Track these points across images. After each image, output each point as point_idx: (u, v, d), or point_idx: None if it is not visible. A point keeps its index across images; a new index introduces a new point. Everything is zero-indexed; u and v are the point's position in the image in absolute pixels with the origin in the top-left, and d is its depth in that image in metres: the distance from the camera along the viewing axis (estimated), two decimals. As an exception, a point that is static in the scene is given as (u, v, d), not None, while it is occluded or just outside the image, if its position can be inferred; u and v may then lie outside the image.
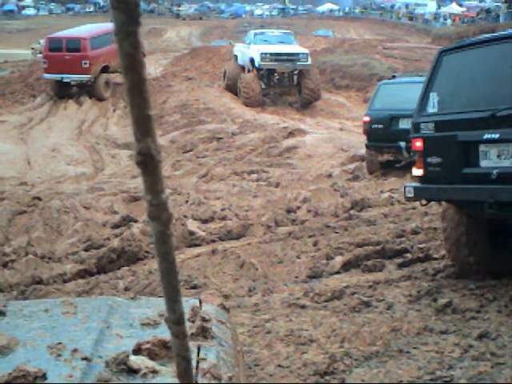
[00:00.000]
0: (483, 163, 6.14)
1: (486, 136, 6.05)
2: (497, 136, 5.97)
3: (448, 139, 6.41)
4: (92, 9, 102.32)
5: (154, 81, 29.66)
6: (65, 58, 26.42)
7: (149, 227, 10.03)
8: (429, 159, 6.56)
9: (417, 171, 6.76)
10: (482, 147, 6.13)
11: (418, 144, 6.71)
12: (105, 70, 27.00)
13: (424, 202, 6.90)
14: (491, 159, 6.08)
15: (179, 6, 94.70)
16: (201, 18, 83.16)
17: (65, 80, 26.88)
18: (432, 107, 6.73)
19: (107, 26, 29.61)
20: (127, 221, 10.61)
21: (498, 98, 6.09)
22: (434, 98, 6.71)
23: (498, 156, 6.02)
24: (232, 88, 28.08)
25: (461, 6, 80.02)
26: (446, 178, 6.41)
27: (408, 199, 7.04)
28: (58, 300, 2.20)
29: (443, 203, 6.99)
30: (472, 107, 6.32)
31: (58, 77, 26.68)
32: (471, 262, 6.81)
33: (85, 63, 26.39)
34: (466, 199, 6.38)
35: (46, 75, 27.10)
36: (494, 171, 5.97)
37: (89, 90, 27.12)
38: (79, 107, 26.72)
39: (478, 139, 6.14)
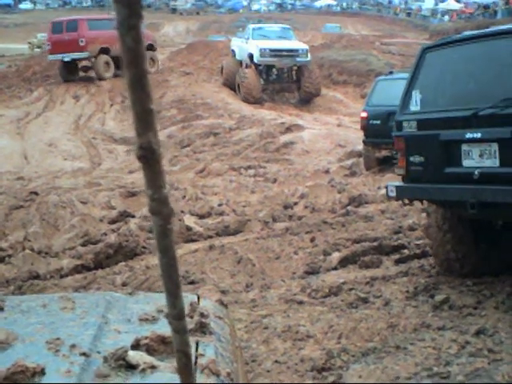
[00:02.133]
0: (465, 163, 6.04)
1: (468, 135, 5.96)
2: (479, 135, 5.89)
3: (430, 138, 6.32)
4: (89, 3, 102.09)
5: (151, 75, 29.60)
6: (64, 38, 28.61)
7: (146, 222, 10.04)
8: (411, 158, 6.46)
9: (399, 170, 6.67)
10: (464, 147, 6.03)
11: (401, 143, 6.60)
12: (105, 51, 28.61)
13: (406, 201, 6.86)
14: (473, 159, 5.99)
15: (175, 0, 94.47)
16: (198, 13, 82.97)
17: (65, 59, 28.81)
18: (414, 105, 6.61)
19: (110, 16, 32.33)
20: (124, 216, 10.61)
21: (480, 96, 6.00)
22: (416, 95, 6.60)
23: (481, 156, 5.92)
24: (230, 83, 27.97)
25: (458, 2, 79.97)
26: (428, 177, 6.33)
27: (390, 199, 6.98)
28: (56, 295, 2.20)
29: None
30: (454, 106, 6.23)
31: (59, 56, 28.81)
32: (454, 258, 6.77)
33: (81, 41, 28.36)
34: (449, 199, 6.30)
35: (50, 56, 29.51)
36: (476, 171, 5.88)
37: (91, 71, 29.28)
38: (76, 102, 26.70)
39: (460, 138, 6.05)
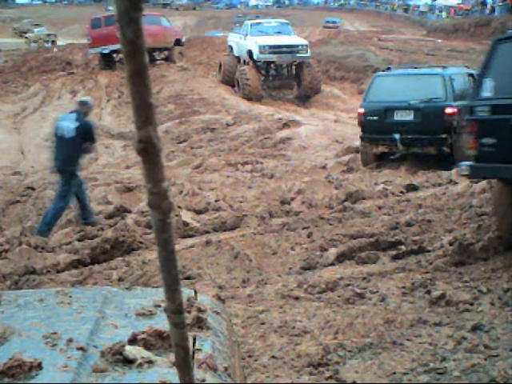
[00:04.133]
0: None
1: None
2: None
3: (503, 122, 7.00)
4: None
5: (148, 70, 29.55)
6: (103, 32, 30.47)
7: (142, 218, 10.03)
8: (483, 140, 7.14)
9: (471, 151, 7.33)
10: None
11: (473, 126, 7.33)
12: None
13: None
14: None
15: None
16: (194, 8, 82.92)
17: (104, 51, 31.08)
18: (487, 92, 7.29)
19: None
20: (121, 211, 10.60)
21: None
22: (488, 83, 7.28)
23: None
24: (229, 80, 27.84)
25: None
26: (500, 157, 6.98)
27: (463, 177, 7.91)
28: (53, 290, 2.19)
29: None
30: None
31: (99, 49, 31.29)
32: None
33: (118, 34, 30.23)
34: None
35: (90, 50, 31.98)
36: None
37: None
38: (73, 97, 26.66)
39: None
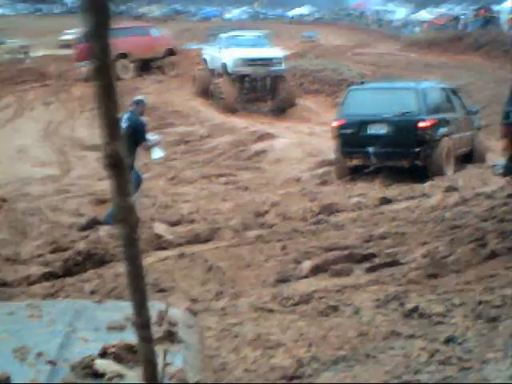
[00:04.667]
0: None
1: None
2: None
3: None
4: (59, 9, 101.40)
5: (122, 83, 29.50)
6: (81, 48, 30.64)
7: (115, 230, 9.96)
8: None
9: (505, 152, 8.16)
10: None
11: (509, 129, 8.10)
12: (123, 56, 31.08)
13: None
14: None
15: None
16: (165, 21, 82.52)
17: (88, 66, 31.48)
18: None
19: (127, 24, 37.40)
20: (94, 223, 10.53)
21: None
22: None
23: None
24: (204, 93, 27.75)
25: (430, 13, 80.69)
26: None
27: (498, 175, 8.89)
28: (23, 303, 2.18)
29: None
30: None
31: (83, 64, 31.08)
32: None
33: None
34: None
35: (78, 63, 31.92)
36: None
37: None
38: (46, 109, 26.50)
39: None
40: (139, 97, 13.15)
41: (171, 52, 33.76)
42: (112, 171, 0.75)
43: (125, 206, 0.76)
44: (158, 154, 12.29)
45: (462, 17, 57.83)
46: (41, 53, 45.91)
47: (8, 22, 79.83)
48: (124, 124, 10.73)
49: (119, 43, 30.52)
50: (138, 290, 0.82)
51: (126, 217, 0.77)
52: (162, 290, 7.34)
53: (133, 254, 0.80)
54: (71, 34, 63.89)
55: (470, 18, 52.55)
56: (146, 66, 33.30)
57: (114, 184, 0.76)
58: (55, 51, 47.32)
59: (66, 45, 60.48)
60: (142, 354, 0.88)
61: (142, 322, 0.84)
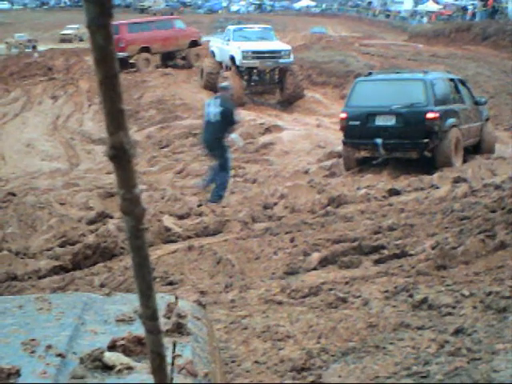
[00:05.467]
0: None
1: None
2: None
3: None
4: (68, 3, 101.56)
5: (130, 76, 29.54)
6: None
7: (124, 223, 9.98)
8: None
9: None
10: None
11: None
12: (145, 50, 32.92)
13: None
14: None
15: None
16: (172, 14, 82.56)
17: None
18: None
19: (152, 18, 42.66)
20: (102, 217, 10.56)
21: None
22: None
23: None
24: (211, 86, 27.69)
25: (437, 3, 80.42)
26: None
27: None
28: (32, 296, 2.18)
29: None
30: None
31: None
32: None
33: (121, 43, 31.59)
34: None
35: None
36: None
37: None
38: (54, 102, 26.55)
39: None
40: (225, 83, 14.38)
41: (195, 43, 34.30)
42: (116, 162, 0.75)
43: (130, 198, 0.76)
44: (238, 139, 14.16)
45: (470, 7, 57.56)
46: (48, 46, 46.00)
47: (16, 17, 80.00)
48: (216, 109, 12.10)
49: (142, 37, 32.38)
50: (145, 281, 0.82)
51: (132, 208, 0.77)
52: (170, 283, 7.36)
53: (138, 245, 0.79)
54: (72, 28, 64.31)
55: (479, 7, 52.27)
56: (170, 57, 34.44)
57: (119, 176, 0.75)
58: (56, 45, 47.46)
59: (67, 39, 60.90)
60: (150, 346, 0.88)
61: (149, 314, 0.84)
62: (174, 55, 35.04)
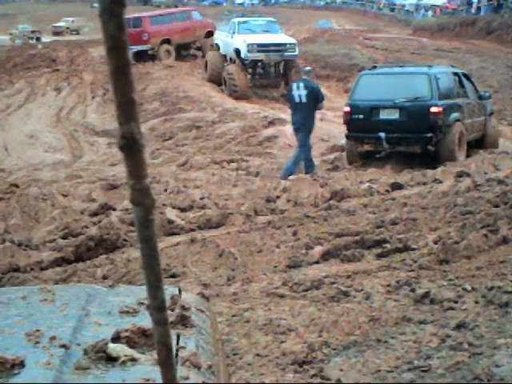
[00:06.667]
0: None
1: None
2: None
3: None
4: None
5: (133, 68, 29.51)
6: (131, 33, 31.73)
7: (127, 215, 9.99)
8: None
9: None
10: None
11: None
12: (166, 41, 33.81)
13: None
14: None
15: None
16: (176, 6, 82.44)
17: (133, 50, 32.44)
18: None
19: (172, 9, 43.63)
20: (105, 209, 10.56)
21: None
22: None
23: None
24: (216, 79, 27.60)
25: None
26: None
27: None
28: (36, 287, 2.18)
29: None
30: None
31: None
32: None
33: (144, 36, 33.15)
34: None
35: None
36: None
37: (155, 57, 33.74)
38: (58, 94, 26.54)
39: None
40: (307, 67, 16.44)
41: (211, 34, 34.51)
42: (126, 152, 0.74)
43: (140, 188, 0.76)
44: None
45: (475, 1, 57.43)
46: (52, 38, 45.97)
47: (20, 8, 79.91)
48: (302, 92, 13.81)
49: (163, 29, 33.30)
50: (153, 272, 0.82)
51: (141, 199, 0.76)
52: (173, 275, 7.37)
53: (147, 236, 0.79)
54: (65, 21, 64.47)
55: (484, 2, 52.14)
56: (185, 48, 35.24)
57: (129, 166, 0.75)
58: (49, 38, 47.50)
59: (58, 32, 60.97)
60: (157, 337, 0.88)
61: (156, 305, 0.84)
62: (190, 45, 35.78)
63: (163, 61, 32.87)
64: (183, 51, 35.40)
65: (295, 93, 13.95)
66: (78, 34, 58.14)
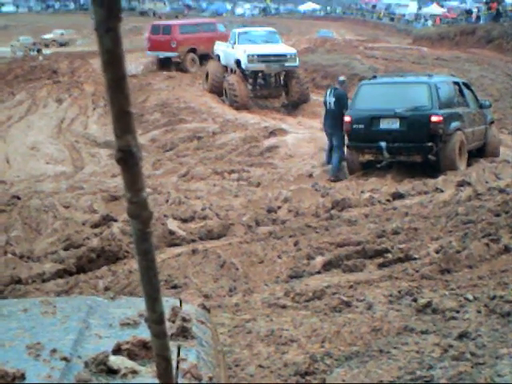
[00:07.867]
0: None
1: None
2: None
3: None
4: (72, 6, 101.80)
5: (135, 79, 29.57)
6: (160, 39, 34.63)
7: (128, 226, 9.98)
8: None
9: None
10: None
11: None
12: (192, 50, 34.57)
13: None
14: None
15: (143, 2, 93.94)
16: (177, 17, 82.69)
17: (160, 56, 34.99)
18: None
19: (198, 19, 46.95)
20: (107, 220, 10.55)
21: None
22: None
23: None
24: (217, 89, 27.60)
25: (442, 6, 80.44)
26: None
27: None
28: (37, 299, 2.18)
29: None
30: None
31: (155, 53, 35.30)
32: None
33: (173, 43, 34.13)
34: None
35: (149, 52, 35.65)
36: None
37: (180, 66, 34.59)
38: (59, 105, 26.57)
39: None
40: (342, 77, 17.03)
41: None
42: (123, 165, 0.74)
43: (137, 201, 0.76)
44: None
45: (475, 10, 57.56)
46: (53, 50, 46.03)
47: (21, 20, 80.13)
48: (332, 99, 15.58)
49: (191, 39, 34.30)
50: (151, 285, 0.82)
51: (139, 212, 0.76)
52: (175, 287, 7.36)
53: (145, 249, 0.79)
54: (54, 33, 64.70)
55: (484, 11, 52.25)
56: (206, 58, 34.86)
57: (126, 179, 0.75)
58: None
59: (46, 44, 61.04)
60: (156, 349, 0.87)
61: (155, 318, 0.84)
62: (211, 56, 36.03)
63: (188, 69, 33.69)
64: (205, 62, 35.64)
65: (327, 99, 15.81)
66: (64, 46, 58.18)
